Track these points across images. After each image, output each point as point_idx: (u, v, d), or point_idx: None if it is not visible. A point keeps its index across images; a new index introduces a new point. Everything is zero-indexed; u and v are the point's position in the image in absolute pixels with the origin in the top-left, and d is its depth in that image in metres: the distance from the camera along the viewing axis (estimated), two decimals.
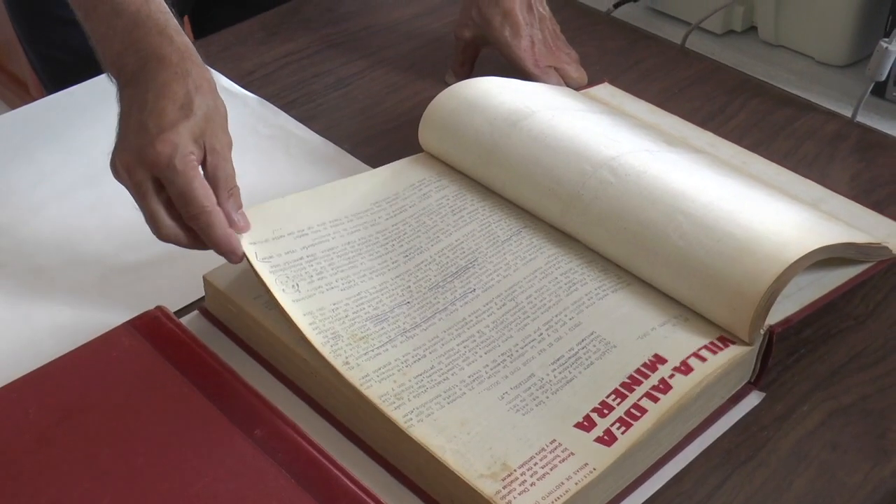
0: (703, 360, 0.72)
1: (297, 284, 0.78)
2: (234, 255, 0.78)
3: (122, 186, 0.79)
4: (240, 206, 0.80)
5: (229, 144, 0.80)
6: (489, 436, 0.68)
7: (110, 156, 0.79)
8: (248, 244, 0.79)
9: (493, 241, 0.83)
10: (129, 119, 0.79)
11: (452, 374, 0.73)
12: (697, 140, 0.97)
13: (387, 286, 0.79)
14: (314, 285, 0.78)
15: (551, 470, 0.66)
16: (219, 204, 0.78)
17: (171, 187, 0.77)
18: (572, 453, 0.67)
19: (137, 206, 0.79)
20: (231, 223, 0.78)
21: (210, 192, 0.77)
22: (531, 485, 0.65)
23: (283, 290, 0.77)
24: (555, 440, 0.68)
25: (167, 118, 0.77)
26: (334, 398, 0.74)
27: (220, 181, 0.78)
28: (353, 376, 0.71)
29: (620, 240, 0.79)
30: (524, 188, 0.85)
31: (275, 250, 0.80)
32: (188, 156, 0.76)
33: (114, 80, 0.83)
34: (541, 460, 0.67)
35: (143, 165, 0.77)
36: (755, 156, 0.96)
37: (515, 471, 0.66)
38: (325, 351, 0.72)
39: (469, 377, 0.72)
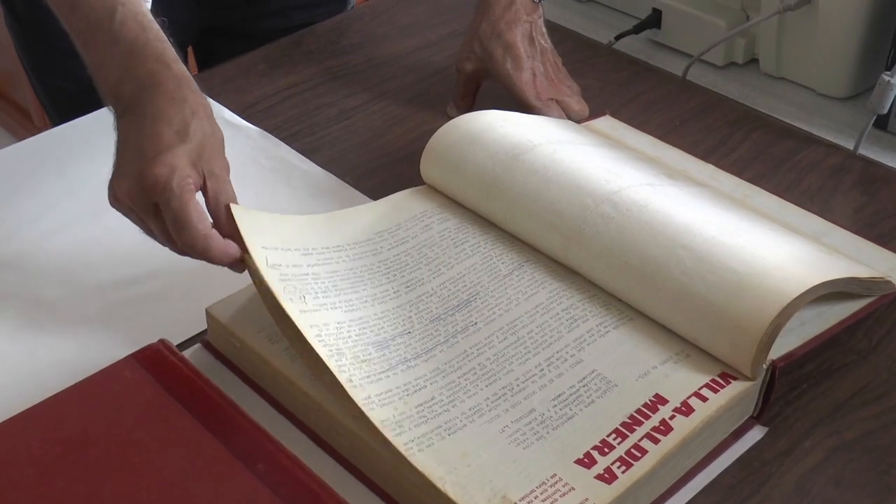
0: (705, 399, 0.72)
1: (304, 297, 0.78)
2: (236, 266, 0.79)
3: (123, 217, 0.79)
4: None
5: (227, 168, 0.81)
6: (490, 468, 0.68)
7: (108, 184, 0.79)
8: (259, 247, 0.78)
9: (495, 274, 0.83)
10: (126, 146, 0.79)
11: (453, 406, 0.72)
12: (699, 173, 0.97)
13: (388, 314, 0.80)
14: (319, 301, 0.78)
15: None
16: (220, 228, 0.78)
17: (167, 211, 0.77)
18: (573, 488, 0.67)
19: (142, 231, 0.80)
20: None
21: (205, 216, 0.77)
22: None
23: (291, 299, 0.77)
24: (555, 475, 0.68)
25: (164, 142, 0.77)
26: (336, 432, 0.74)
27: (223, 205, 0.79)
28: (356, 395, 0.71)
29: (622, 274, 0.79)
30: (525, 222, 0.85)
31: (283, 260, 0.80)
32: (185, 179, 0.76)
33: (112, 110, 0.83)
34: (541, 494, 0.67)
35: (142, 190, 0.77)
36: (757, 188, 0.97)
37: (516, 503, 0.66)
38: (331, 364, 0.72)
39: (470, 409, 0.72)
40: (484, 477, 0.68)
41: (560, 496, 0.66)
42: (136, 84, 0.81)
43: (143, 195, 0.77)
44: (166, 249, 0.81)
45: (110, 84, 0.83)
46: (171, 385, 0.76)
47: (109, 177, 0.80)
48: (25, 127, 2.79)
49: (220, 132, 0.81)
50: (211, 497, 0.68)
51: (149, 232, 0.80)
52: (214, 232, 0.77)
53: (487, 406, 0.72)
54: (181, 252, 0.79)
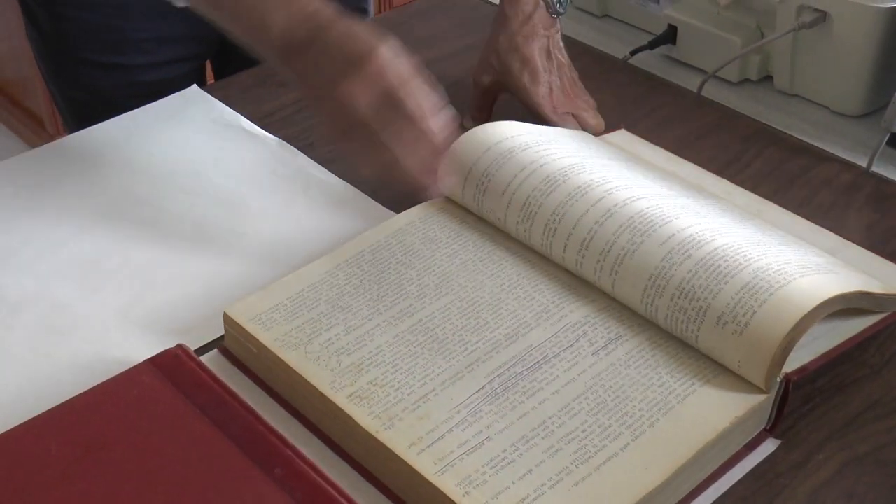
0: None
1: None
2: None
3: (141, 221, 0.80)
4: None
5: None
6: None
7: (320, 108, 0.85)
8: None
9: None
10: (323, 68, 0.83)
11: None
12: (713, 187, 0.98)
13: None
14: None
15: None
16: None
17: (411, 99, 0.81)
18: None
19: (371, 149, 0.83)
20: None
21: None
22: None
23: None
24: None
25: (363, 39, 0.82)
26: (353, 438, 0.74)
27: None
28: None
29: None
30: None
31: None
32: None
33: (279, 59, 0.87)
34: None
35: (367, 81, 0.81)
36: (770, 204, 0.97)
37: None
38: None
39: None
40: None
41: None
42: (310, 24, 0.84)
43: (367, 86, 0.81)
44: (184, 254, 0.82)
45: (275, 37, 0.85)
46: (188, 390, 0.77)
47: (317, 100, 0.84)
48: (38, 134, 2.81)
49: None
50: (228, 501, 0.69)
51: (390, 136, 0.82)
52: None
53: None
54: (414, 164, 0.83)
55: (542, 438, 0.72)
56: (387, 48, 0.82)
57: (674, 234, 0.81)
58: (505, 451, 0.71)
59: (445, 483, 0.68)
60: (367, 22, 0.83)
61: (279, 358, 0.78)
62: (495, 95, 1.10)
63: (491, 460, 0.70)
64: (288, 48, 0.86)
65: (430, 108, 0.83)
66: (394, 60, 0.82)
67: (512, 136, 0.94)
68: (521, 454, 0.70)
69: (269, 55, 0.89)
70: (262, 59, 0.90)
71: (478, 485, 0.68)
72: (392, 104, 0.82)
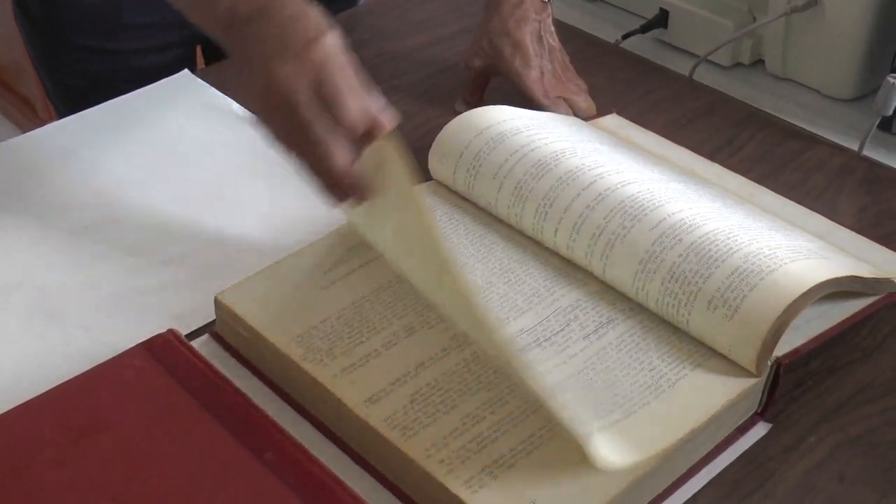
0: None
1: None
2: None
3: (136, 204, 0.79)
4: None
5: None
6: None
7: (248, 84, 0.78)
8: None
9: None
10: (265, 41, 0.77)
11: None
12: (705, 171, 0.98)
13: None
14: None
15: None
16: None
17: (329, 83, 0.75)
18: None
19: (299, 142, 0.77)
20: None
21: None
22: None
23: None
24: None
25: (313, 24, 0.77)
26: (344, 422, 0.74)
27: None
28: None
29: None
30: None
31: None
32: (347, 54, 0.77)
33: (221, 36, 0.81)
34: None
35: (305, 68, 0.75)
36: (762, 188, 0.97)
37: None
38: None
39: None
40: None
41: None
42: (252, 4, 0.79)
43: (305, 73, 0.75)
44: (176, 239, 0.81)
45: (221, 10, 0.80)
46: (179, 374, 0.76)
47: (248, 75, 0.78)
48: (30, 118, 2.80)
49: None
50: (219, 485, 0.69)
51: (316, 130, 0.76)
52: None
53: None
54: (342, 166, 0.76)
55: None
56: (333, 38, 0.77)
57: (664, 219, 0.81)
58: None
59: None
60: (319, 8, 0.79)
61: (270, 342, 0.78)
62: (487, 79, 1.09)
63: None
64: (231, 21, 0.80)
65: (358, 109, 0.77)
66: (337, 53, 0.77)
67: (503, 121, 0.94)
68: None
69: (213, 29, 0.82)
70: (212, 37, 0.85)
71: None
72: (324, 97, 0.76)
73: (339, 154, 0.76)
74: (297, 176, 0.79)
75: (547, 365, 0.76)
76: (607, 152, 0.92)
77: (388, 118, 0.78)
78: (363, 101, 0.77)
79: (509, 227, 0.89)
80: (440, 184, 0.94)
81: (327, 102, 0.76)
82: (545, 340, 0.78)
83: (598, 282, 0.83)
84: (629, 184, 0.85)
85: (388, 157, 0.76)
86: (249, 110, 0.80)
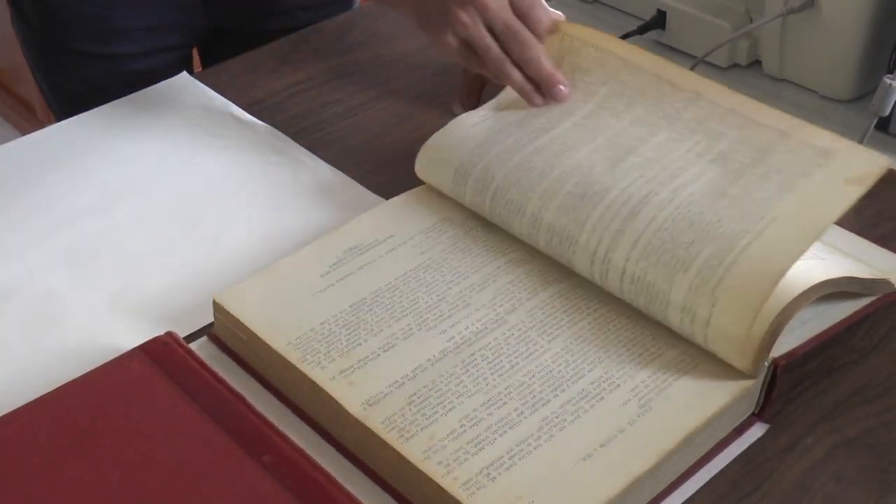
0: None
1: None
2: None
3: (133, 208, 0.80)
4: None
5: None
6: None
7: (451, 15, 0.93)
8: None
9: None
10: None
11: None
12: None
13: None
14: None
15: None
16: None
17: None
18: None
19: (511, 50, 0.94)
20: None
21: None
22: None
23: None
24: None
25: None
26: (341, 425, 0.74)
27: None
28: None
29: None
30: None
31: None
32: None
33: None
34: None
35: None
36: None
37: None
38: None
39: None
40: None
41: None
42: None
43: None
44: (174, 241, 0.82)
45: None
46: (178, 377, 0.77)
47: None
48: (29, 121, 2.80)
49: None
50: (217, 488, 0.69)
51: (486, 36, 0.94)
52: None
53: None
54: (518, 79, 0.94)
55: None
56: None
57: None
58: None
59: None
60: None
61: (268, 345, 0.78)
62: (484, 81, 1.09)
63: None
64: None
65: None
66: None
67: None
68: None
69: None
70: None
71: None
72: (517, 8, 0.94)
73: (545, 55, 0.93)
74: (294, 178, 0.79)
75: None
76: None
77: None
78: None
79: (502, 231, 0.89)
80: (431, 188, 0.94)
81: (521, 12, 0.94)
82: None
83: (588, 282, 0.83)
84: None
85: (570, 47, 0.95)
86: (444, 46, 0.96)
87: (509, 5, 0.93)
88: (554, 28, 0.96)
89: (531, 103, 0.94)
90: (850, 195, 0.78)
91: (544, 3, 0.96)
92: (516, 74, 0.94)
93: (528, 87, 0.94)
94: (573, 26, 0.96)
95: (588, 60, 0.94)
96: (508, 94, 0.97)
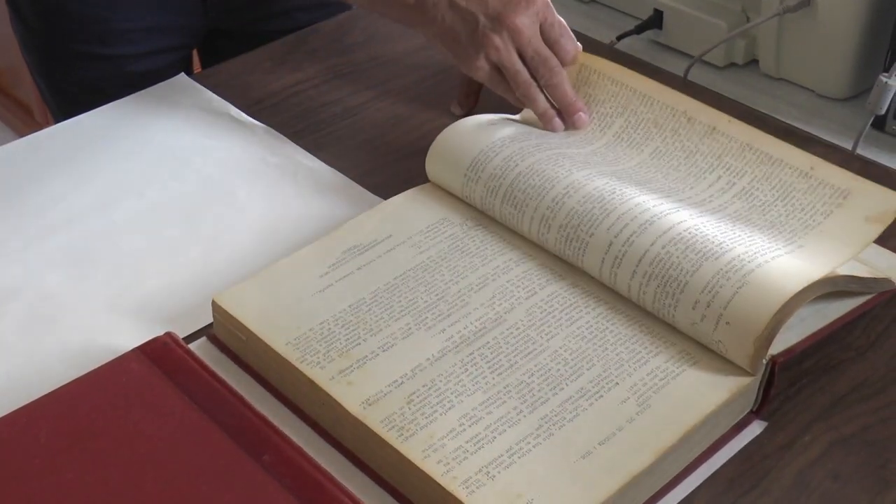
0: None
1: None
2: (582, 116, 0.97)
3: (131, 210, 0.80)
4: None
5: None
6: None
7: (489, 26, 0.96)
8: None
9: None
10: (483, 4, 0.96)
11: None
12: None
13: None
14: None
15: None
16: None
17: (554, 23, 0.97)
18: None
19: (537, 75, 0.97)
20: None
21: None
22: None
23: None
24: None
25: None
26: (340, 424, 0.75)
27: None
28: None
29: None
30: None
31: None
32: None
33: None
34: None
35: (532, 11, 0.96)
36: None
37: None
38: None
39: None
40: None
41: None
42: None
43: (534, 17, 0.96)
44: (173, 242, 0.82)
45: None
46: (177, 377, 0.77)
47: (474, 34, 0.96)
48: (27, 123, 2.80)
49: None
50: (217, 488, 0.69)
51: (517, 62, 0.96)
52: None
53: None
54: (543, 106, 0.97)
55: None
56: None
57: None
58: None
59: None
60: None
61: (267, 345, 0.78)
62: (482, 83, 1.10)
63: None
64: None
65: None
66: None
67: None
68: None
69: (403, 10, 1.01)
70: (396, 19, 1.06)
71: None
72: (547, 35, 0.97)
73: (569, 83, 0.97)
74: (293, 178, 0.80)
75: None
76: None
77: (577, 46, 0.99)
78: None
79: (508, 230, 0.89)
80: (437, 186, 0.94)
81: (551, 40, 0.97)
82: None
83: (590, 279, 0.83)
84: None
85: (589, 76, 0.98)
86: (474, 69, 0.98)
87: (539, 33, 0.97)
88: (575, 58, 0.99)
89: (552, 128, 0.97)
90: (871, 233, 0.81)
91: (570, 33, 0.99)
92: (542, 99, 0.97)
93: (551, 111, 0.97)
94: (591, 57, 0.99)
95: (603, 92, 0.97)
96: (526, 116, 1.00)
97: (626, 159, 0.92)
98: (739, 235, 0.80)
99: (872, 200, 0.83)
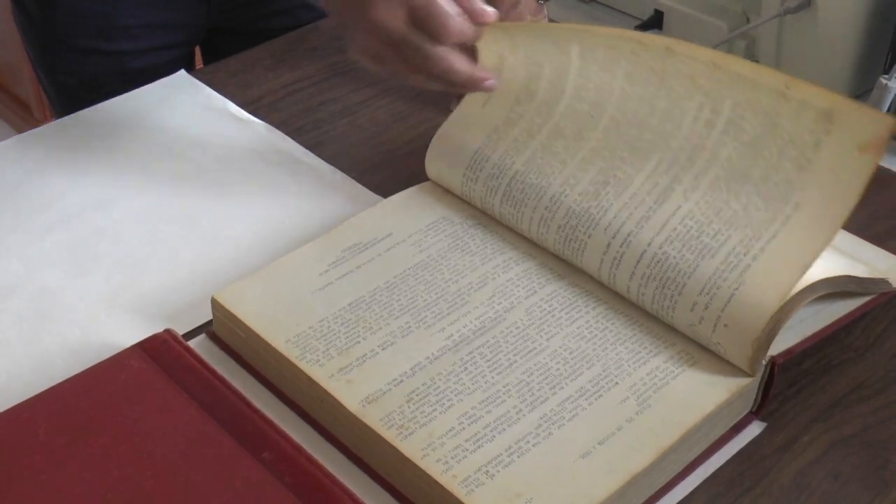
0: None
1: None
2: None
3: (132, 203, 0.80)
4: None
5: None
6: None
7: (357, 26, 0.86)
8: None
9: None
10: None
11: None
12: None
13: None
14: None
15: None
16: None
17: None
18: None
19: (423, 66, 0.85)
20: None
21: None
22: None
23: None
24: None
25: None
26: (340, 423, 0.75)
27: None
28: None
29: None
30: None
31: None
32: None
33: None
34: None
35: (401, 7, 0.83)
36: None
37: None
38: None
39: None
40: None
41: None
42: None
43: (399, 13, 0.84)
44: (172, 239, 0.82)
45: None
46: (176, 374, 0.77)
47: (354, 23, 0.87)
48: (25, 119, 2.81)
49: None
50: (216, 485, 0.69)
51: (394, 62, 0.86)
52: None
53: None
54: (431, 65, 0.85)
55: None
56: None
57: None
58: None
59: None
60: None
61: (267, 342, 0.78)
62: None
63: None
64: None
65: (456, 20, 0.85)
66: None
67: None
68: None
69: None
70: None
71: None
72: (422, 19, 0.84)
73: (457, 60, 0.85)
74: (292, 176, 0.80)
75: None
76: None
77: (487, 12, 0.86)
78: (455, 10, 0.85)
79: (509, 229, 0.89)
80: (434, 184, 0.94)
81: (425, 26, 0.84)
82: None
83: (590, 278, 0.83)
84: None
85: (513, 35, 0.88)
86: (367, 59, 0.89)
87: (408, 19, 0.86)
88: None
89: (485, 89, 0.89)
90: (868, 165, 0.75)
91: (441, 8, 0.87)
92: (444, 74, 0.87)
93: (468, 79, 0.87)
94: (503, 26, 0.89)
95: (531, 37, 0.90)
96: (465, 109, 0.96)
97: (607, 90, 0.87)
98: (735, 211, 0.79)
99: (859, 123, 0.75)
